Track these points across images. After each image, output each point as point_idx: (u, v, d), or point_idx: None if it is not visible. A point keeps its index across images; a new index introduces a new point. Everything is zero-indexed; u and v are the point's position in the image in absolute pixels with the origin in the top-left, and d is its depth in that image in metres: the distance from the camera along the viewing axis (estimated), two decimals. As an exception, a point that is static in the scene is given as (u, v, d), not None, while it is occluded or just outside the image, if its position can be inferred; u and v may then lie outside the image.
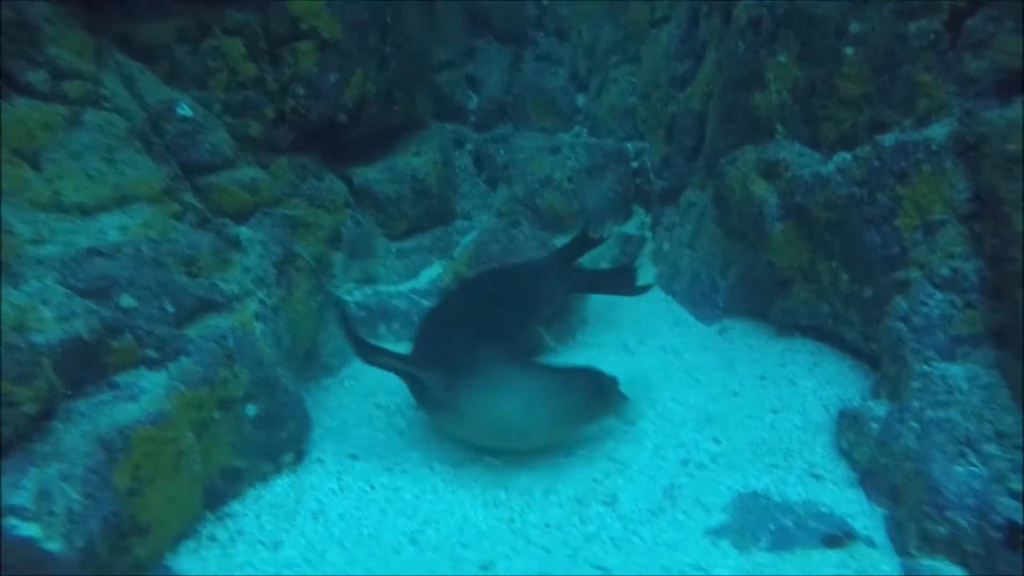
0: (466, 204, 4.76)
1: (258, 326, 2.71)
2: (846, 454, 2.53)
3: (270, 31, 3.54)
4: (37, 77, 2.42)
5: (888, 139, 2.56)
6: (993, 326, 2.19)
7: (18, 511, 1.75)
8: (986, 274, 2.23)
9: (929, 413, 2.20)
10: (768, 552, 2.18)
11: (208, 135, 3.07)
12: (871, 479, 2.37)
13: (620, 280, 3.92)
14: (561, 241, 4.22)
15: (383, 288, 3.94)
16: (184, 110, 3.00)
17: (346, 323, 3.04)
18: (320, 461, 2.77)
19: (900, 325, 2.45)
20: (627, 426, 2.89)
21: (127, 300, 2.24)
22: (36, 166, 2.35)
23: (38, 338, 1.97)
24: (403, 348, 3.21)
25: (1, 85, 2.33)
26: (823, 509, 2.33)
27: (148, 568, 2.09)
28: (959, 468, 2.03)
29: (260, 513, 2.46)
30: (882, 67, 2.65)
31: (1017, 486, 1.89)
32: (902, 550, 2.11)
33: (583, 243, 4.07)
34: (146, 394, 2.16)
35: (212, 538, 2.31)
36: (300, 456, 2.77)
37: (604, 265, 4.49)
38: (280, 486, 2.61)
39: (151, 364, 2.26)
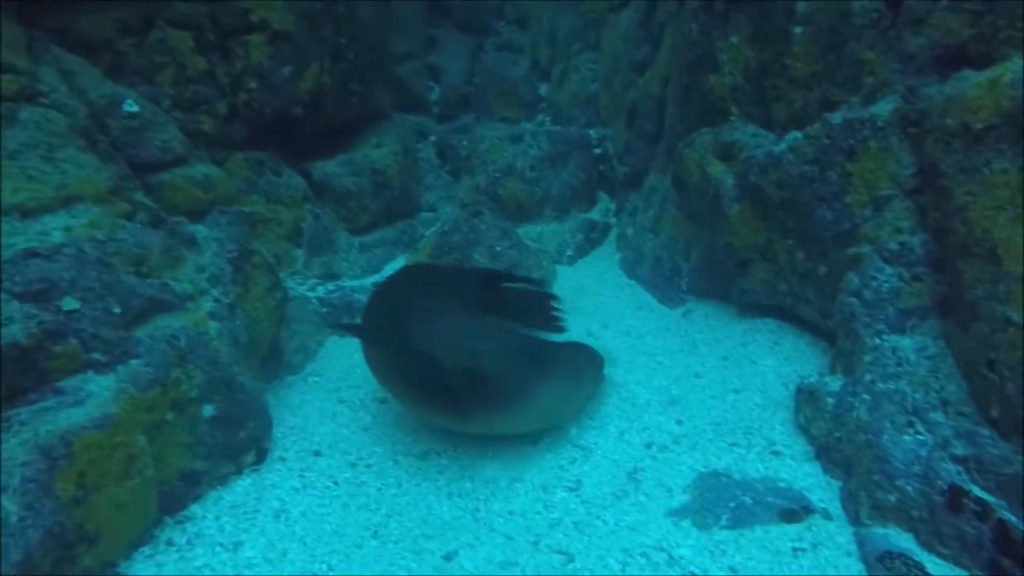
0: (431, 196, 4.73)
1: (213, 325, 2.66)
2: (804, 429, 2.57)
3: (219, 23, 3.47)
4: (-36, 73, 2.33)
5: (836, 117, 2.58)
6: (938, 297, 2.23)
7: (-51, 526, 1.69)
8: (931, 247, 2.26)
9: (880, 385, 2.24)
10: (728, 530, 2.21)
11: (158, 131, 2.98)
12: (827, 452, 2.41)
13: (534, 307, 3.64)
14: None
15: (346, 283, 3.91)
16: (131, 106, 2.91)
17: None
18: (282, 459, 2.74)
19: (853, 300, 2.48)
20: (592, 411, 2.90)
21: (70, 303, 2.17)
22: (-31, 167, 2.27)
23: (-29, 346, 1.91)
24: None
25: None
26: (781, 484, 2.36)
27: (99, 577, 2.04)
28: (907, 437, 2.07)
29: (220, 515, 2.43)
30: (829, 46, 2.67)
31: (959, 451, 1.93)
32: (855, 520, 2.14)
33: (517, 279, 3.84)
34: (92, 398, 2.10)
35: (169, 543, 2.27)
36: (262, 455, 2.73)
37: (569, 253, 4.50)
38: (241, 486, 2.58)
39: (98, 367, 2.20)
